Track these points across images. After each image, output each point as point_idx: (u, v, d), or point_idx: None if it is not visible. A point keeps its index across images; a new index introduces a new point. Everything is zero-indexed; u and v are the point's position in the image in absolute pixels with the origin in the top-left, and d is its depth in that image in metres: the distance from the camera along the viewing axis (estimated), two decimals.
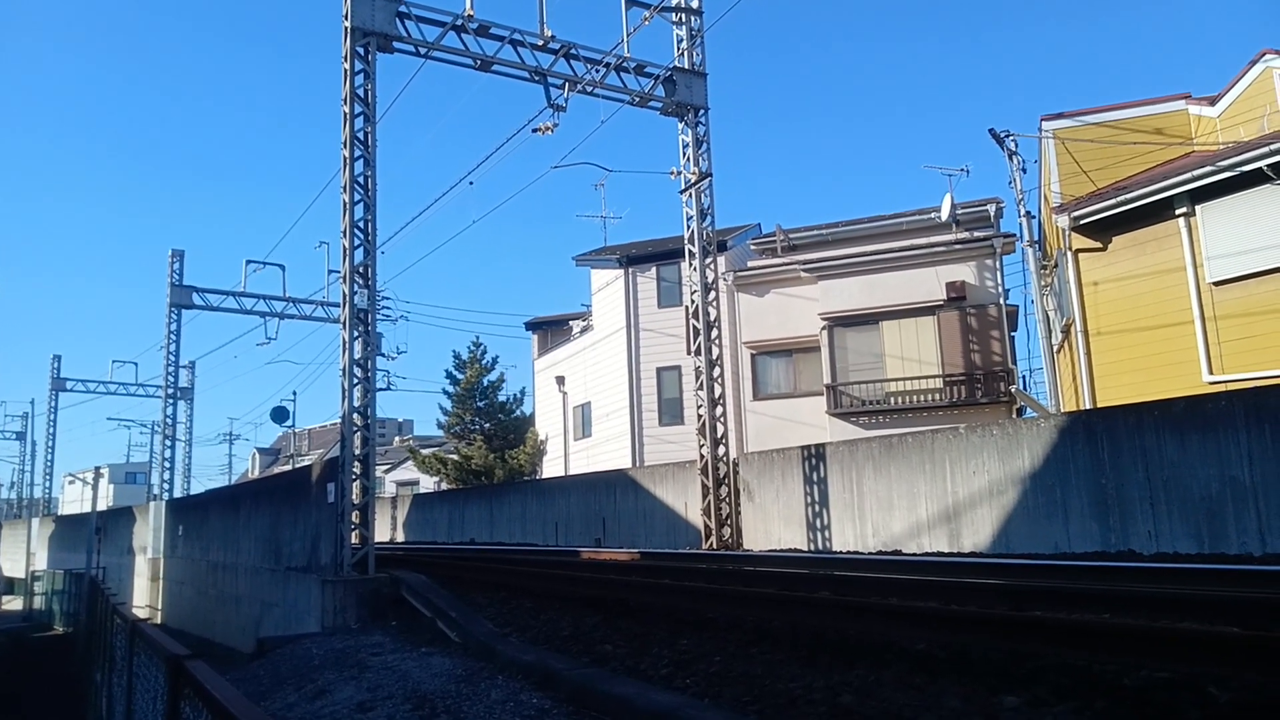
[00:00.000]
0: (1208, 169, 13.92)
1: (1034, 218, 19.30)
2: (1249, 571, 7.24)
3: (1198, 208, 14.33)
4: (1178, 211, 14.53)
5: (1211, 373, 13.88)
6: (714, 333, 15.18)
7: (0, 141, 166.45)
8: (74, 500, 66.02)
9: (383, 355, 32.01)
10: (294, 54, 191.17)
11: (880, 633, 5.58)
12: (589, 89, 14.66)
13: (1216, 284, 14.03)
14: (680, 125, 15.59)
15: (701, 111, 15.52)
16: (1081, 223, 15.70)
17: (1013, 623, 4.88)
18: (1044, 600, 6.10)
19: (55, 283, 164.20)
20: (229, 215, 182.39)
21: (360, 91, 12.71)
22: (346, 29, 12.72)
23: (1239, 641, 3.92)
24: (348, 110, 12.62)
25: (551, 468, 30.90)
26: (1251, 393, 9.45)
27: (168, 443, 31.59)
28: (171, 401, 31.45)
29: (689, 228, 15.38)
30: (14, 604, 35.74)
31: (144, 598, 25.82)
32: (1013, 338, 21.67)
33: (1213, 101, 16.63)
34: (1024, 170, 18.56)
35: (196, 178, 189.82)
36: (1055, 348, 19.49)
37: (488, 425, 35.00)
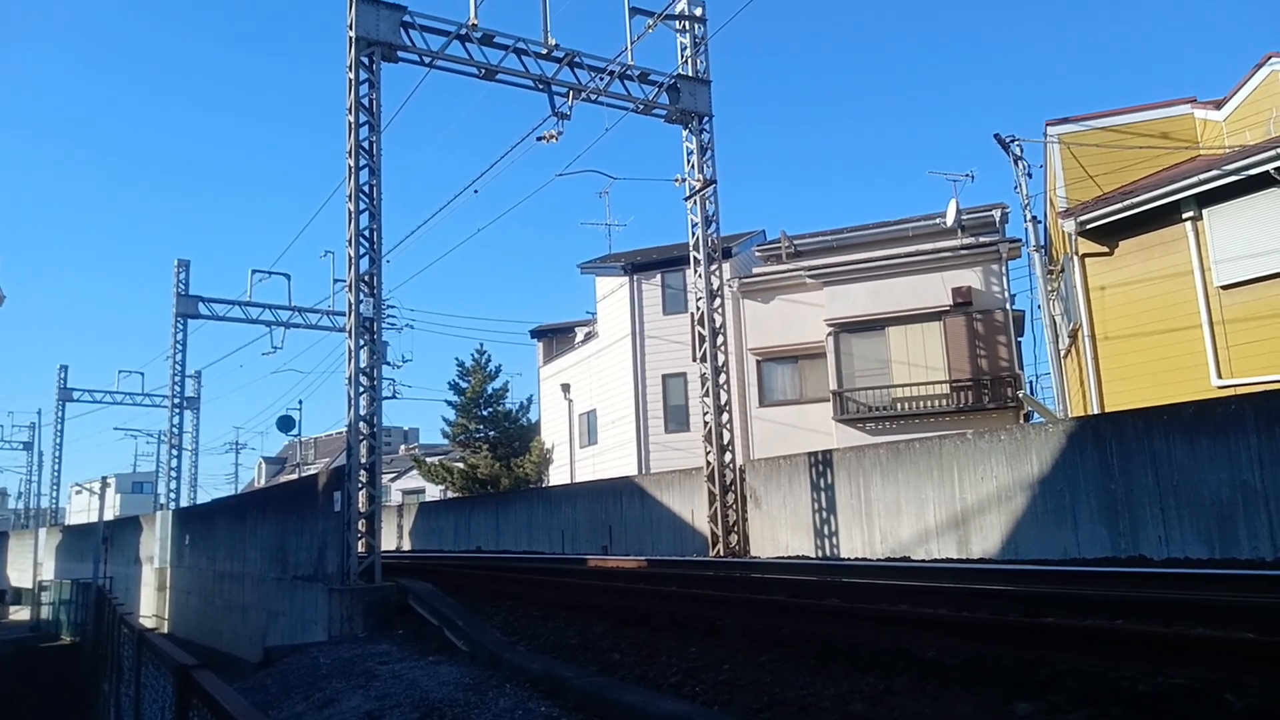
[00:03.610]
0: (1214, 173, 13.89)
1: (1040, 223, 19.28)
2: (1262, 576, 7.18)
3: (1205, 212, 14.30)
4: (1185, 216, 14.50)
5: (1220, 377, 13.82)
6: (719, 339, 15.16)
7: (4, 148, 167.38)
8: (81, 510, 66.15)
9: (388, 364, 32.06)
10: (299, 61, 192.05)
11: (891, 640, 5.54)
12: (593, 97, 14.68)
13: (1224, 288, 13.98)
14: (684, 132, 15.60)
15: (705, 119, 15.52)
16: (1088, 227, 15.67)
17: (1025, 629, 4.85)
18: (1056, 606, 6.06)
19: (61, 292, 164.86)
20: (234, 224, 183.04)
21: (365, 101, 12.74)
22: (351, 39, 12.75)
23: (1255, 647, 3.88)
24: (353, 120, 12.64)
25: (557, 475, 30.88)
26: (1262, 396, 9.40)
27: (174, 452, 31.59)
28: (178, 411, 31.46)
29: (694, 235, 15.37)
30: (21, 614, 35.77)
31: (150, 607, 25.81)
32: (1019, 343, 21.64)
33: (1219, 105, 16.60)
34: (1029, 175, 18.55)
35: (201, 186, 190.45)
36: (1062, 353, 19.43)
37: (493, 433, 34.99)
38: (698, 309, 15.35)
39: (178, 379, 31.06)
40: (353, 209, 12.49)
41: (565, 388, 30.56)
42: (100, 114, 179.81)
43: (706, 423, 14.94)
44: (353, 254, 12.46)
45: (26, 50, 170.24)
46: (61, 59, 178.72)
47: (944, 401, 20.20)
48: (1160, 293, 14.83)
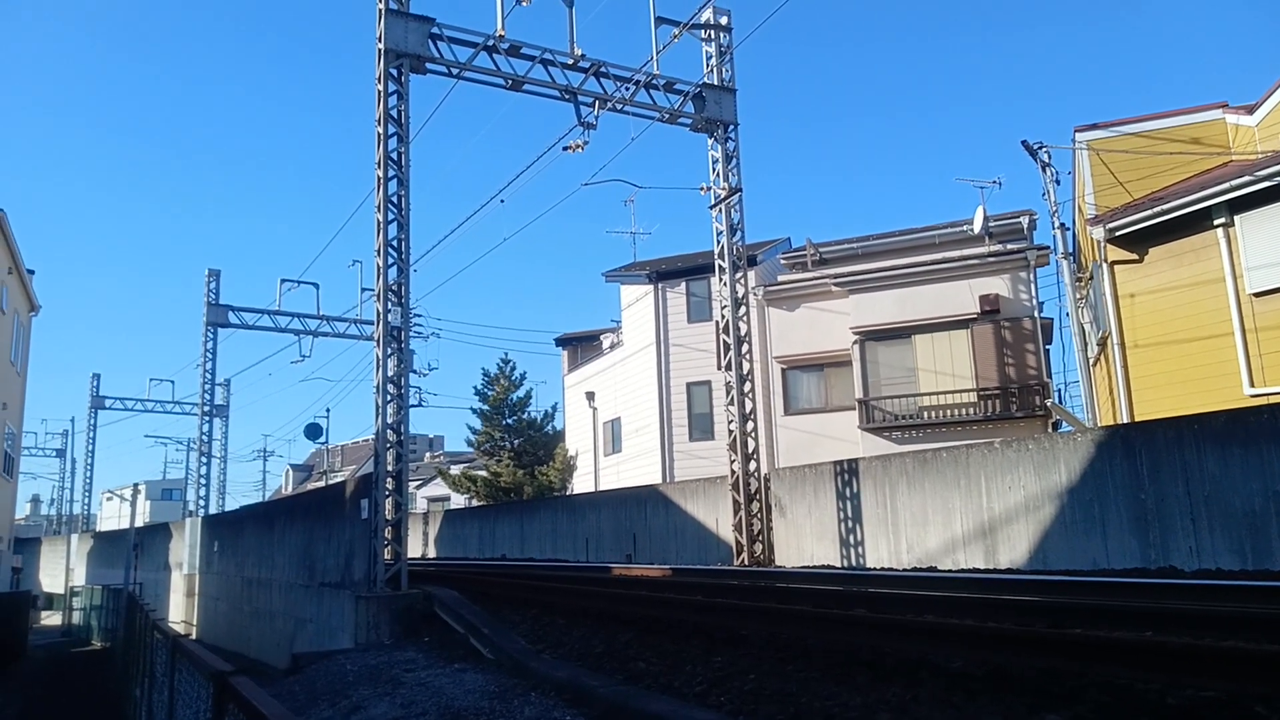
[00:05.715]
0: (1246, 179, 13.72)
1: (1068, 229, 19.10)
2: None
3: (1236, 218, 14.12)
4: (1216, 222, 14.32)
5: (1253, 385, 13.63)
6: (744, 348, 15.16)
7: (40, 154, 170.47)
8: (111, 517, 67.05)
9: (415, 372, 32.32)
10: (331, 70, 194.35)
11: (916, 650, 5.52)
12: (619, 107, 14.75)
13: (1257, 295, 13.79)
14: (710, 141, 15.64)
15: (731, 127, 15.55)
16: (1117, 234, 15.52)
17: (1052, 640, 4.81)
18: (1084, 617, 6.01)
19: (94, 301, 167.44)
20: (264, 231, 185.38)
21: (394, 112, 12.88)
22: (380, 51, 12.91)
23: None
24: (381, 131, 12.78)
25: (582, 483, 30.93)
26: None
27: (203, 459, 32.03)
28: (207, 419, 31.89)
29: (719, 243, 15.39)
30: (53, 619, 36.29)
31: (179, 613, 26.11)
32: (1048, 351, 21.43)
33: (1250, 110, 16.39)
34: (1058, 182, 18.40)
35: (232, 196, 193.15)
36: (1091, 361, 19.23)
37: (517, 441, 35.12)
38: (723, 317, 15.36)
39: (207, 387, 31.49)
40: (381, 219, 12.63)
41: (590, 396, 30.63)
42: (136, 122, 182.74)
43: (731, 431, 14.93)
44: (381, 264, 12.59)
45: (54, 51, 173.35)
46: (97, 63, 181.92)
47: (971, 410, 20.05)
48: (1191, 300, 14.65)
